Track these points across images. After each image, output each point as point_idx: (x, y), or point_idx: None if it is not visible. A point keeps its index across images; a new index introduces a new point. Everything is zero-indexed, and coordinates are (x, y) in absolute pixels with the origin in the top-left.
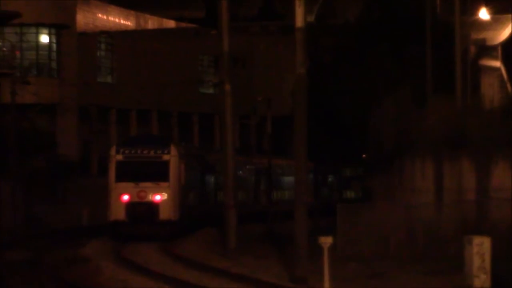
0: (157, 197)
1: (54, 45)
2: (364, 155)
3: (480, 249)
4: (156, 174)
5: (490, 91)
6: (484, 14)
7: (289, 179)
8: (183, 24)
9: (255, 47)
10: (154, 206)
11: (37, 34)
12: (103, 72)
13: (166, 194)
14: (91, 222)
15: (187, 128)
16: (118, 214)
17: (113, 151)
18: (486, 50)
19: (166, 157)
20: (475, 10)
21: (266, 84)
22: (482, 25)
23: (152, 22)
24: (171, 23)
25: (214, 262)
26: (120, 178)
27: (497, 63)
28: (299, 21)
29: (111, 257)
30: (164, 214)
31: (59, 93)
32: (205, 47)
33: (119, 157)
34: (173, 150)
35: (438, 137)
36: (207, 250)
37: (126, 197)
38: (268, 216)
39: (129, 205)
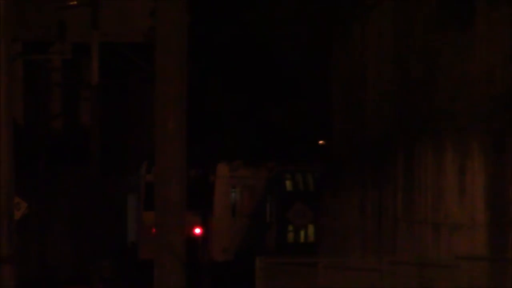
0: (197, 230)
1: None
2: (321, 141)
3: None
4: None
5: None
6: None
7: None
8: None
9: None
10: (194, 241)
11: None
12: None
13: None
14: None
15: None
16: (150, 252)
17: (143, 169)
18: None
19: (211, 177)
20: None
21: None
22: None
23: None
24: None
25: None
26: (151, 205)
27: None
28: None
29: None
30: (213, 251)
31: None
32: None
33: (151, 177)
34: (221, 169)
35: (495, 95)
36: None
37: None
38: None
39: None
